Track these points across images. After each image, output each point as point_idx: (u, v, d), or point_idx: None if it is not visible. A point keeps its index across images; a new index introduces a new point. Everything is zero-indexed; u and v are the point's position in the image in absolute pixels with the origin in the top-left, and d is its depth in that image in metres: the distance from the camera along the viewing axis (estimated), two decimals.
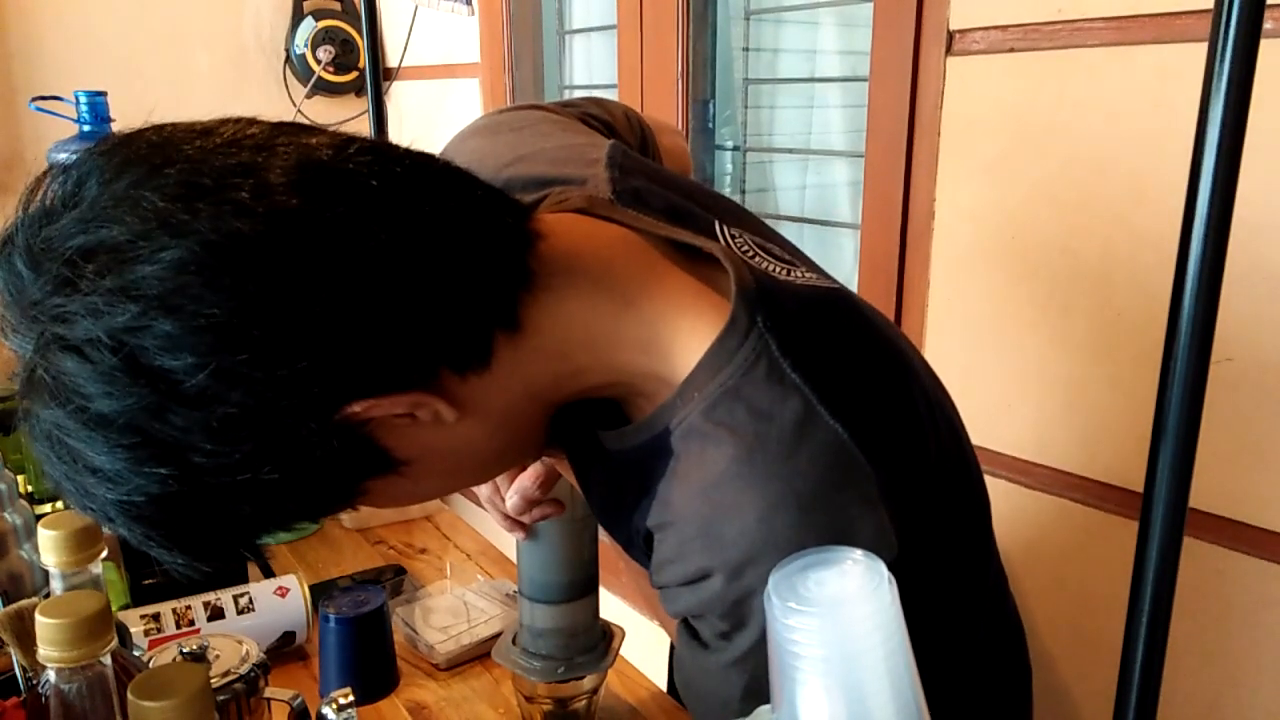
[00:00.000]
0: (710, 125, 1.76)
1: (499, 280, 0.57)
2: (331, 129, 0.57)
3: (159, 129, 0.53)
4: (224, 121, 0.54)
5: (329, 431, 0.52)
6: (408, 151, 0.58)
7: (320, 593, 1.02)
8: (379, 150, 0.55)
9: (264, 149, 0.51)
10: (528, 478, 0.78)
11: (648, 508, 0.61)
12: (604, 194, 0.68)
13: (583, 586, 0.86)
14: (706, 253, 0.63)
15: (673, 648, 0.98)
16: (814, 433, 0.56)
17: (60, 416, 0.49)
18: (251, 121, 0.55)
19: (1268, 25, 0.60)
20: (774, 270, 0.63)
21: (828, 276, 0.68)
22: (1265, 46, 0.60)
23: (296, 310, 0.49)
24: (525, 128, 0.80)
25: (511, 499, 0.79)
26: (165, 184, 0.48)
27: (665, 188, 0.70)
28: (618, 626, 0.91)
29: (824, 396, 0.57)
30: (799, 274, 0.65)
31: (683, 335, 0.60)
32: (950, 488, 0.67)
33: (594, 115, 0.85)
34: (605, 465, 0.66)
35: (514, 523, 0.82)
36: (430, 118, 2.33)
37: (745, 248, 0.65)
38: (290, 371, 0.49)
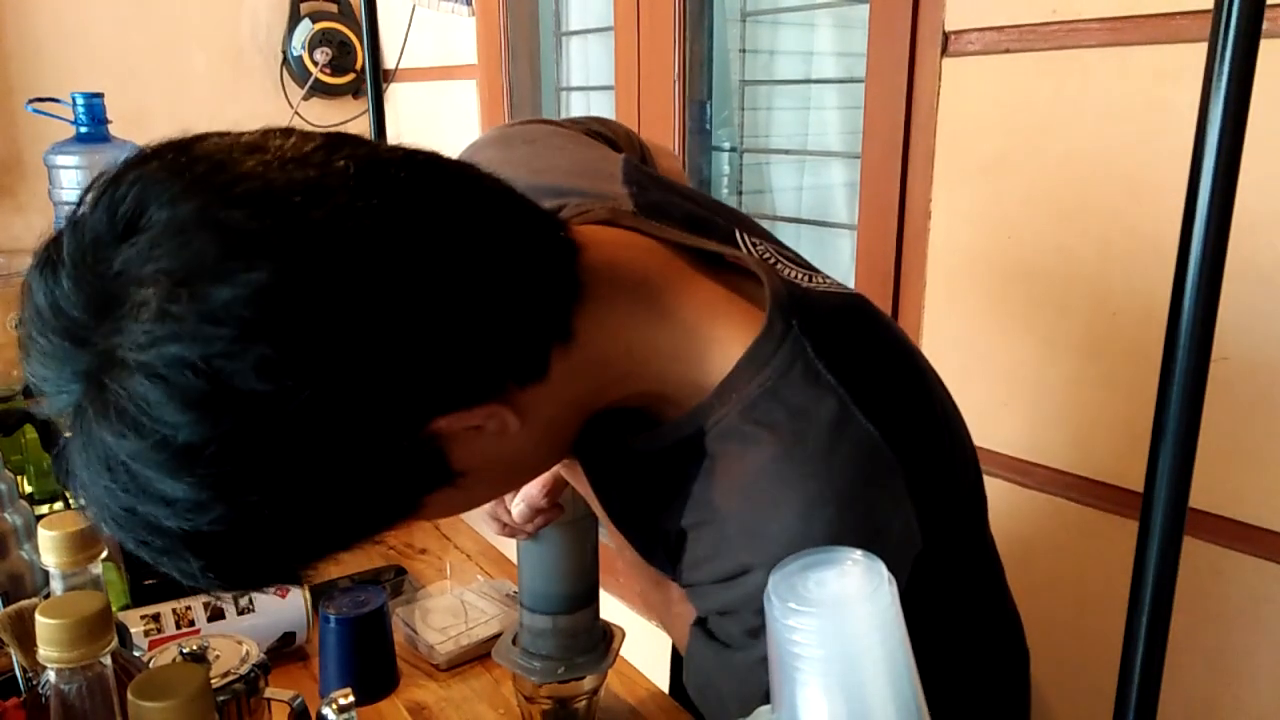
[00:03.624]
0: (707, 127, 1.76)
1: (553, 290, 0.57)
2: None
3: (201, 141, 0.50)
4: (265, 133, 0.51)
5: (417, 447, 0.52)
6: (453, 160, 0.57)
7: (320, 593, 1.02)
8: (434, 157, 0.55)
9: (323, 161, 0.49)
10: (534, 486, 0.78)
11: (680, 508, 0.62)
12: (626, 207, 0.68)
13: (584, 598, 0.86)
14: (730, 261, 0.64)
15: (674, 651, 0.98)
16: (849, 432, 0.58)
17: (137, 448, 0.46)
18: (288, 131, 0.52)
19: (1267, 25, 0.60)
20: (798, 277, 0.65)
21: (842, 285, 0.69)
22: (1265, 46, 0.60)
23: (393, 322, 0.48)
24: (538, 140, 0.81)
25: (518, 507, 0.79)
26: (243, 202, 0.46)
27: (683, 199, 0.71)
28: (618, 627, 0.91)
29: (856, 397, 0.58)
30: (819, 280, 0.67)
31: (718, 342, 0.61)
32: (959, 481, 0.69)
33: (598, 131, 0.86)
34: (629, 470, 0.67)
35: (514, 529, 0.82)
36: (427, 119, 2.33)
37: (768, 255, 0.66)
38: (387, 387, 0.48)
